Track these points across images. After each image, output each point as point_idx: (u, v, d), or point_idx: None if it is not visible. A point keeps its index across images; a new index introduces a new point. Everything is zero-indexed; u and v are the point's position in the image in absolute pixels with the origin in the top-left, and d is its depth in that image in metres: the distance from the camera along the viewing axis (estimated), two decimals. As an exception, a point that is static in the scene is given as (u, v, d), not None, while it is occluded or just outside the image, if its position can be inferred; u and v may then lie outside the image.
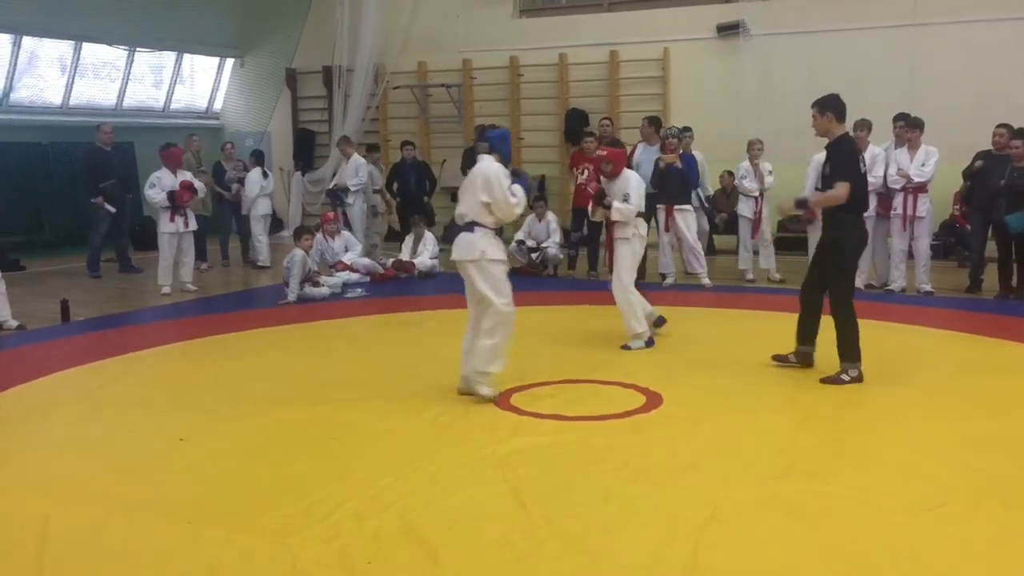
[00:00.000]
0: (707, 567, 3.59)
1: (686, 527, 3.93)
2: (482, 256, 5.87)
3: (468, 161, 11.01)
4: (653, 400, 5.86)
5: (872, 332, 7.74)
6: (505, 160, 6.16)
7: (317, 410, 5.83)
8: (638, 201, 7.39)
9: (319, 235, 11.10)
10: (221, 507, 4.29)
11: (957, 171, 10.42)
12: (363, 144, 13.97)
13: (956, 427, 5.36)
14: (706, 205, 11.81)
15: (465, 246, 5.92)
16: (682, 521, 3.99)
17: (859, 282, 9.91)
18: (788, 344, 6.66)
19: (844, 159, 6.23)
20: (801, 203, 6.88)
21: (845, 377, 6.20)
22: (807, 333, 6.52)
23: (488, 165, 6.00)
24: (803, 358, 6.56)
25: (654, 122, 11.24)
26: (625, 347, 7.32)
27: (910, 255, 9.82)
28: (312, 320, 8.92)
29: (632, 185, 7.42)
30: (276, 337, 8.25)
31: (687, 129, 11.29)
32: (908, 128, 9.60)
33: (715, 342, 7.57)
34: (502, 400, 5.89)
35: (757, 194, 10.67)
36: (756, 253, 10.89)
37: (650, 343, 7.37)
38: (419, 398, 5.98)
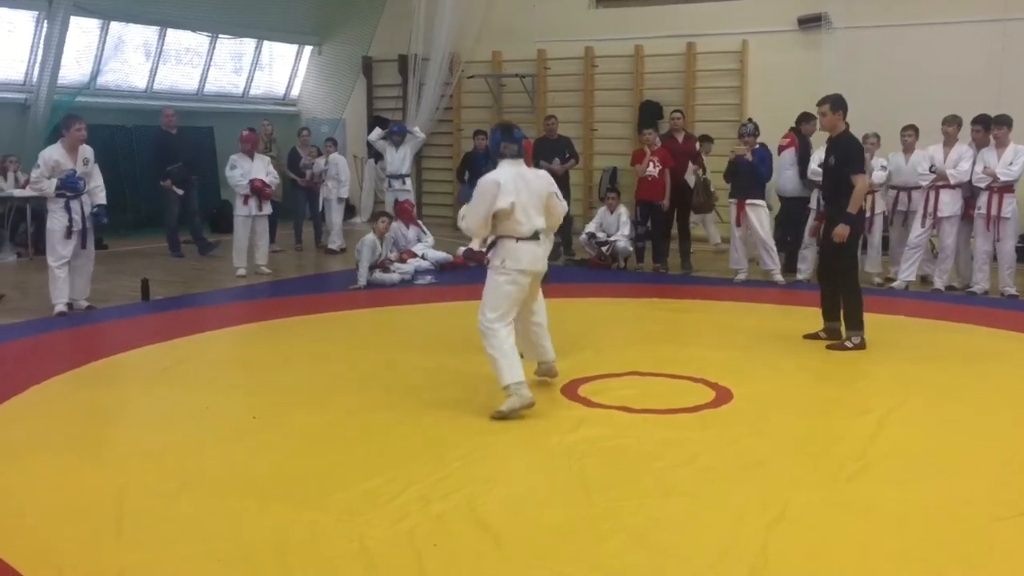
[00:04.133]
0: (775, 567, 3.53)
1: (753, 526, 3.87)
2: None
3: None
4: (723, 396, 5.78)
5: (953, 335, 7.56)
6: None
7: (386, 394, 5.89)
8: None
9: (396, 223, 11.21)
10: (290, 485, 4.36)
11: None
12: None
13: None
14: None
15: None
16: (749, 519, 3.93)
17: (939, 283, 9.73)
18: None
19: (856, 153, 7.06)
20: (848, 220, 6.98)
21: (849, 344, 7.02)
22: (831, 310, 7.26)
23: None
24: (831, 333, 7.24)
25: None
26: None
27: (994, 257, 9.50)
28: (383, 305, 9.01)
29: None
30: (347, 321, 8.35)
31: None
32: (997, 126, 9.28)
33: (787, 340, 7.42)
34: (570, 390, 5.88)
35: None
36: None
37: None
38: (487, 385, 5.97)
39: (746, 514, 3.99)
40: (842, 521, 3.96)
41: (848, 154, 7.02)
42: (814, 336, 7.30)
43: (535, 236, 5.54)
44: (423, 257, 11.10)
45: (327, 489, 4.26)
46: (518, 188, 5.49)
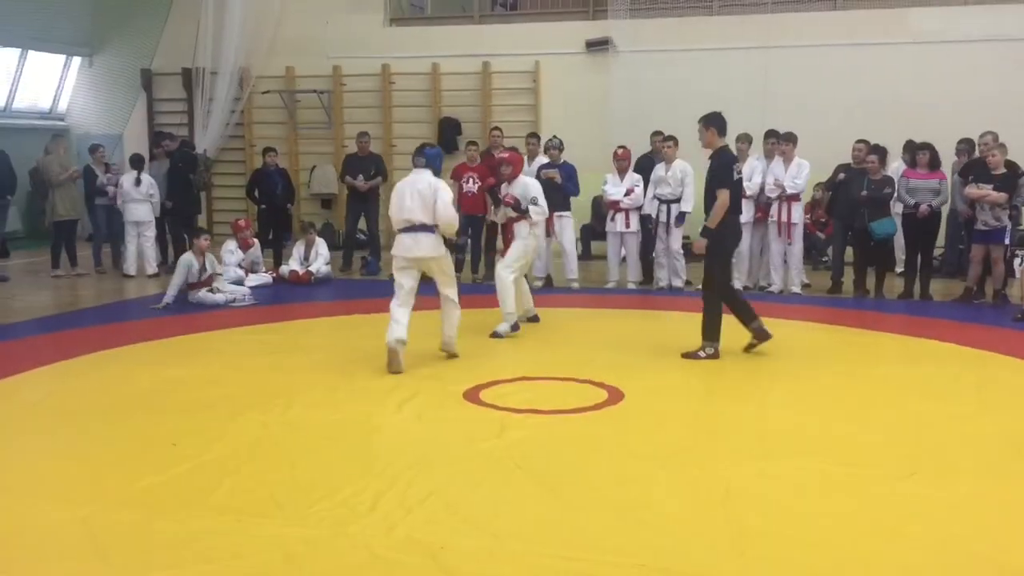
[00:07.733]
0: (751, 534, 3.92)
1: (710, 501, 4.26)
2: (445, 253, 7.08)
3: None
4: (615, 394, 6.13)
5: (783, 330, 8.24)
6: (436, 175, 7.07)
7: (289, 412, 5.74)
8: (544, 203, 8.55)
9: (232, 244, 10.92)
10: (257, 502, 4.25)
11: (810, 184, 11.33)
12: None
13: (893, 410, 5.92)
14: None
15: (431, 245, 6.92)
16: (704, 497, 4.33)
17: (737, 284, 10.74)
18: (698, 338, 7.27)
19: (722, 169, 7.17)
20: (706, 233, 7.25)
21: (702, 354, 7.15)
22: (746, 314, 7.35)
23: (430, 178, 6.94)
24: (758, 333, 7.32)
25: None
26: (495, 334, 8.00)
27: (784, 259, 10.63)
28: (221, 328, 8.65)
29: (535, 188, 8.59)
30: (189, 346, 7.94)
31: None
32: (783, 142, 10.45)
33: (639, 342, 7.87)
34: (473, 395, 6.05)
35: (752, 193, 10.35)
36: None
37: (515, 328, 8.16)
38: (388, 397, 6.03)
39: (699, 492, 4.39)
40: (780, 493, 4.41)
41: (715, 169, 7.24)
42: (752, 347, 7.33)
43: (412, 229, 6.82)
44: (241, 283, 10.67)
45: (298, 504, 4.18)
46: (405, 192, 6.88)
